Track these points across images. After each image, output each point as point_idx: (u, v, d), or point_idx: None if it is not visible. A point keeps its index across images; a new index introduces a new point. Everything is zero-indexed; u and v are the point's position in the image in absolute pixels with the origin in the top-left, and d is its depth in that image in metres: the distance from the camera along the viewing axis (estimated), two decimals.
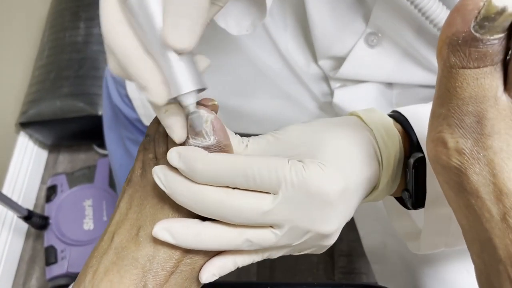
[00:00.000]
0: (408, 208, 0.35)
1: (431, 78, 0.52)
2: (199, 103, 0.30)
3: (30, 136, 1.33)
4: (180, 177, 0.28)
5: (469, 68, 0.22)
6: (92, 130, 1.21)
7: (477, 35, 0.21)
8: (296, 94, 0.62)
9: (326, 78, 0.59)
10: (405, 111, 0.34)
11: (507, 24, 0.21)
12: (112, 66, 0.27)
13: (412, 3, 0.43)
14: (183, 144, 0.29)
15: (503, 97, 0.22)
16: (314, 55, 0.58)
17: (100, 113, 1.20)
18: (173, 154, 0.28)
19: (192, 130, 0.28)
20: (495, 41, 0.21)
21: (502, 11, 0.20)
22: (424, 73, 0.51)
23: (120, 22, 0.26)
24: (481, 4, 0.21)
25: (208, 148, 0.28)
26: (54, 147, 1.40)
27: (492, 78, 0.22)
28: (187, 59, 0.26)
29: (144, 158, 0.33)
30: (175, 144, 0.30)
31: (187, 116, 0.28)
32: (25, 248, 1.24)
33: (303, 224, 0.28)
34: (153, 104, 0.28)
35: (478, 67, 0.22)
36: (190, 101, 0.27)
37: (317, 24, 0.51)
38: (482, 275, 0.25)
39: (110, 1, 0.26)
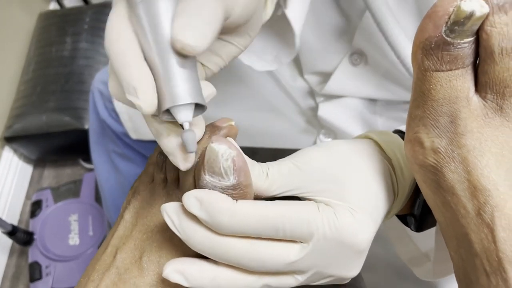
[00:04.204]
0: (410, 229, 0.35)
1: None
2: (214, 126, 0.28)
3: (15, 151, 1.32)
4: (198, 226, 0.25)
5: (442, 70, 0.23)
6: (78, 144, 1.20)
7: (448, 39, 0.22)
8: (283, 108, 0.62)
9: (312, 92, 0.60)
10: None
11: (475, 28, 0.22)
12: (111, 86, 0.26)
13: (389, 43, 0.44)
14: (198, 179, 0.26)
15: (474, 97, 0.24)
16: (300, 70, 0.59)
17: (86, 127, 1.20)
18: (192, 202, 0.24)
19: (209, 166, 0.25)
20: (465, 44, 0.22)
21: (471, 15, 0.21)
22: (406, 92, 0.52)
23: (124, 30, 0.24)
24: (451, 9, 0.22)
25: (225, 189, 0.25)
26: (39, 162, 1.39)
27: (464, 80, 0.23)
28: (190, 69, 0.24)
29: (155, 176, 0.31)
30: (186, 173, 0.28)
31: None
32: (9, 265, 1.22)
33: (328, 271, 0.27)
34: (152, 127, 0.27)
35: (450, 70, 0.23)
36: (184, 117, 0.24)
37: (303, 42, 0.52)
38: (460, 271, 0.25)
39: (119, 9, 0.25)
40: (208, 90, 0.28)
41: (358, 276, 0.64)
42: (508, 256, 0.22)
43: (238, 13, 0.27)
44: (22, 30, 1.41)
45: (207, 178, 0.25)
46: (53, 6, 1.59)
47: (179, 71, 0.24)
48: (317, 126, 0.62)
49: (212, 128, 0.29)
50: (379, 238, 0.56)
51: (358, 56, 0.52)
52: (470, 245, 0.24)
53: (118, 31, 0.25)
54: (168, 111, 0.24)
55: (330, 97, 0.59)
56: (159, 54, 0.24)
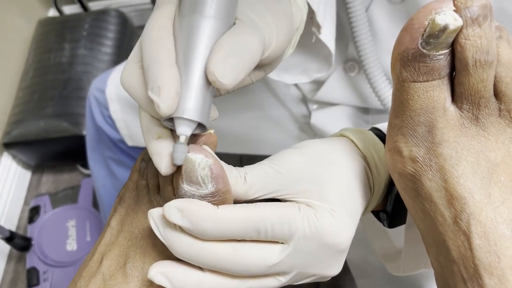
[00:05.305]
0: (383, 225, 0.35)
1: None
2: (195, 138, 0.29)
3: (14, 157, 1.33)
4: (181, 234, 0.25)
5: (419, 81, 0.24)
6: (76, 150, 1.21)
7: (425, 51, 0.23)
8: (277, 116, 0.63)
9: (305, 100, 0.61)
10: (384, 128, 0.34)
11: (450, 40, 0.23)
12: (127, 76, 0.27)
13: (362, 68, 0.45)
14: (177, 188, 0.26)
15: (451, 108, 0.24)
16: None
17: (84, 133, 1.20)
18: (173, 212, 0.25)
19: (187, 176, 0.25)
20: (441, 56, 0.23)
21: (445, 28, 0.22)
22: None
23: (165, 31, 0.26)
24: (426, 22, 0.22)
25: (204, 197, 0.25)
26: (37, 168, 1.39)
27: (440, 90, 0.24)
28: (208, 91, 0.25)
29: (139, 183, 0.32)
30: (166, 179, 0.28)
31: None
32: (6, 270, 1.22)
33: (310, 270, 0.28)
34: (144, 125, 0.27)
35: (427, 81, 0.24)
36: (184, 131, 0.25)
37: None
38: (439, 277, 0.26)
39: (166, 11, 0.26)
40: (211, 113, 0.28)
41: (351, 283, 0.65)
42: (484, 263, 0.23)
43: (268, 54, 0.28)
44: (21, 37, 1.42)
45: (185, 187, 0.25)
46: (52, 13, 1.60)
47: (199, 89, 0.25)
48: (310, 133, 0.62)
49: (191, 136, 0.30)
50: (369, 244, 0.56)
51: (352, 64, 0.52)
52: (448, 252, 0.24)
53: (159, 30, 0.26)
54: (171, 119, 0.25)
55: (322, 105, 0.59)
56: (187, 66, 0.25)
